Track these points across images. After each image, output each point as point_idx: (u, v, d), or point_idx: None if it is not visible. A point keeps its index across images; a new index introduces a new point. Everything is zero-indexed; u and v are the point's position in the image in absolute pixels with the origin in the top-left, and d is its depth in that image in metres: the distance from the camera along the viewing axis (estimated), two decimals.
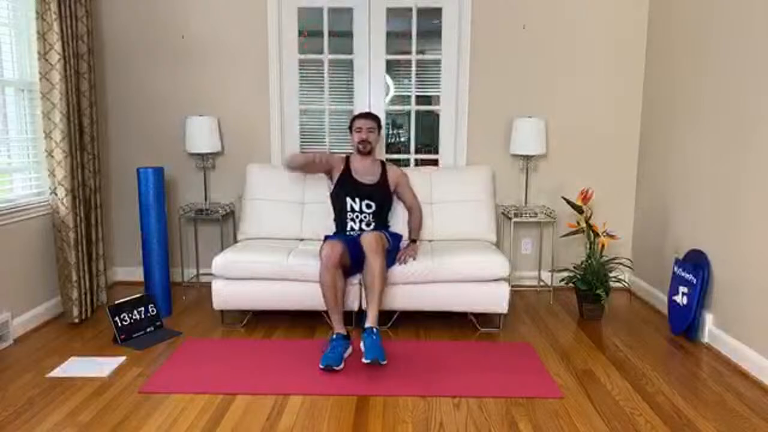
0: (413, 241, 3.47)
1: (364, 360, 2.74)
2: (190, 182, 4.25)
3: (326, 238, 3.40)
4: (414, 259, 3.25)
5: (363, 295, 3.22)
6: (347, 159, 3.55)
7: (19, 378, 2.72)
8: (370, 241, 3.02)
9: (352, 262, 3.15)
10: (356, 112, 3.64)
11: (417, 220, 3.56)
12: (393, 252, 3.26)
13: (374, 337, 2.83)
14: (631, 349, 3.13)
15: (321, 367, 2.77)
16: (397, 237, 3.43)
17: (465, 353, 3.03)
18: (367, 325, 2.92)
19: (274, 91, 4.12)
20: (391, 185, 3.51)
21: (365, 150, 3.46)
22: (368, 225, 3.40)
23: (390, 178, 3.52)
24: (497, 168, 4.17)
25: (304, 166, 3.55)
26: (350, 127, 3.53)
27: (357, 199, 3.41)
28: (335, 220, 3.51)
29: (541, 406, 2.47)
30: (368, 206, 3.40)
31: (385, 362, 2.77)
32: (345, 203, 3.43)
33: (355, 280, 3.25)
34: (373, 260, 2.99)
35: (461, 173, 3.90)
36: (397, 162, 4.18)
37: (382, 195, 3.45)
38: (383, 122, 4.19)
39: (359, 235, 3.28)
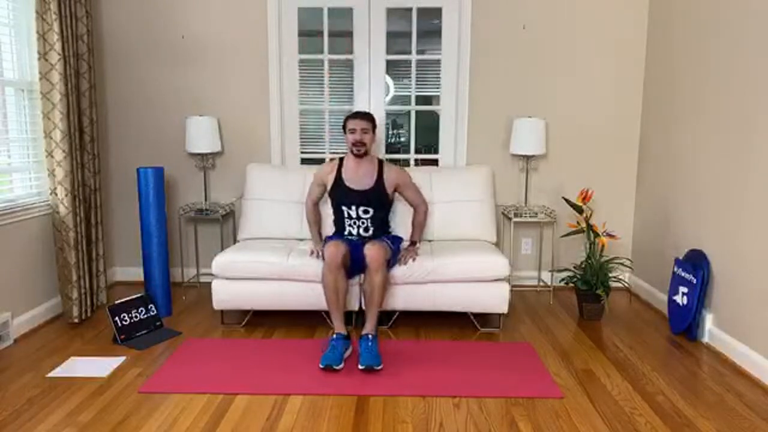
0: (413, 242, 3.46)
1: (359, 366, 2.78)
2: (190, 182, 4.25)
3: (326, 239, 3.39)
4: (413, 260, 3.24)
5: (363, 298, 3.22)
6: (340, 162, 3.41)
7: (19, 378, 2.72)
8: (373, 255, 2.99)
9: (353, 263, 3.15)
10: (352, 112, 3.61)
11: (421, 218, 3.49)
12: (394, 255, 3.25)
13: (370, 343, 2.87)
14: (631, 349, 3.13)
15: (321, 366, 2.77)
16: (397, 240, 3.42)
17: (465, 353, 3.03)
18: (364, 332, 2.95)
19: (274, 91, 4.12)
20: (389, 188, 3.37)
21: (359, 152, 3.30)
22: (366, 230, 3.35)
23: (387, 180, 3.36)
24: (497, 168, 4.17)
25: (315, 212, 3.53)
26: (344, 127, 3.34)
27: (353, 207, 3.33)
28: (334, 222, 3.49)
29: (541, 406, 2.47)
30: (365, 212, 3.33)
31: (380, 367, 2.80)
32: (341, 211, 3.37)
33: (355, 280, 3.25)
34: (375, 275, 3.00)
35: (461, 173, 3.89)
36: (396, 162, 4.17)
37: (378, 200, 3.34)
38: (383, 122, 4.20)
39: (362, 239, 3.29)
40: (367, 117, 3.33)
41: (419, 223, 3.51)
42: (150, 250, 3.57)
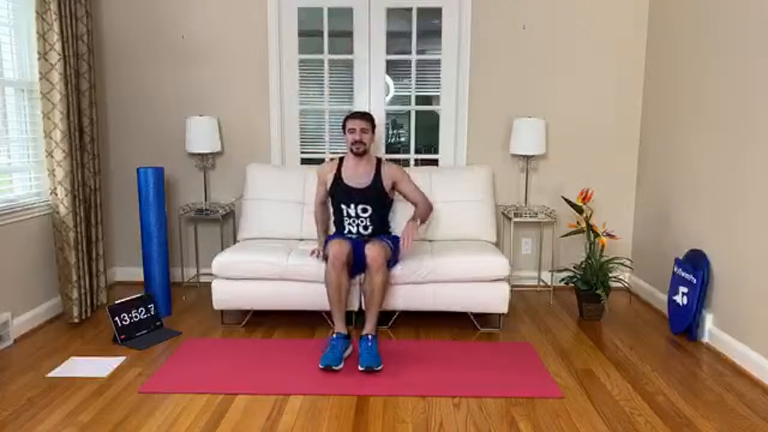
0: (413, 219, 3.26)
1: (359, 367, 2.78)
2: (190, 182, 4.25)
3: (328, 238, 3.39)
4: (414, 236, 3.09)
5: (363, 298, 3.22)
6: (340, 162, 3.42)
7: (19, 378, 2.72)
8: (374, 255, 2.99)
9: (354, 262, 3.15)
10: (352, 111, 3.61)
11: (422, 208, 3.34)
12: (394, 255, 3.24)
13: (370, 344, 2.87)
14: (631, 349, 3.13)
15: (320, 367, 2.77)
16: (397, 240, 3.41)
17: (465, 353, 3.03)
18: (364, 332, 2.95)
19: (274, 91, 4.12)
20: (386, 185, 3.37)
21: (359, 151, 3.31)
22: (365, 229, 3.36)
23: (385, 177, 3.36)
24: (497, 168, 4.17)
25: (322, 211, 3.53)
26: (343, 127, 3.35)
27: (352, 205, 3.33)
28: (334, 222, 3.50)
29: (541, 406, 2.47)
30: (364, 210, 3.33)
31: (380, 368, 2.80)
32: (341, 210, 3.38)
33: (356, 280, 3.25)
34: (376, 275, 3.00)
35: (461, 173, 3.90)
36: (396, 162, 4.16)
37: (377, 197, 3.34)
38: (383, 122, 4.20)
39: (363, 238, 3.29)
40: (366, 117, 3.35)
41: (421, 212, 3.32)
42: (150, 250, 3.57)
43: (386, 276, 3.05)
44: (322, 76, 4.19)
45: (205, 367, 2.83)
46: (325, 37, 4.12)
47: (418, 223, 3.28)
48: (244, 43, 4.09)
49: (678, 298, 3.33)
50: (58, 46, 3.27)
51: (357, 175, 3.35)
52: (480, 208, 3.77)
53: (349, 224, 3.37)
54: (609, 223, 4.21)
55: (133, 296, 3.32)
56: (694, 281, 3.18)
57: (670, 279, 3.55)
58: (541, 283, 4.29)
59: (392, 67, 4.22)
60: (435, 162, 4.27)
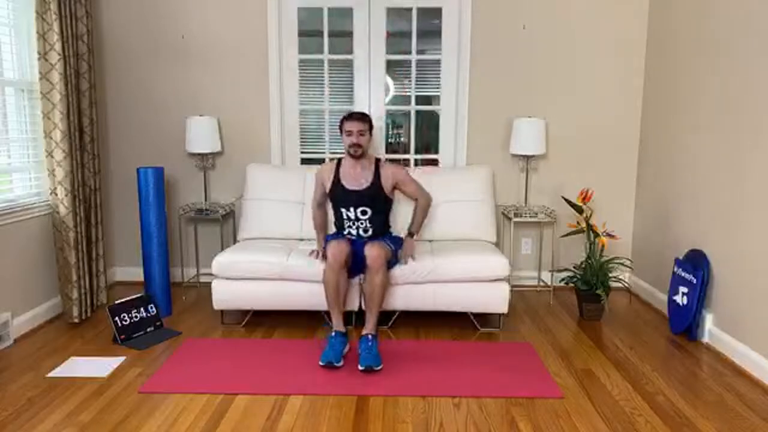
0: (410, 234, 3.37)
1: (359, 367, 2.78)
2: (190, 182, 4.25)
3: (328, 238, 3.39)
4: (413, 259, 3.23)
5: (363, 298, 3.22)
6: (338, 164, 3.39)
7: (19, 378, 2.72)
8: (374, 256, 2.99)
9: (354, 262, 3.15)
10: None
11: (422, 210, 3.41)
12: (394, 255, 3.24)
13: (370, 344, 2.87)
14: (631, 349, 3.13)
15: (321, 364, 2.77)
16: (398, 240, 3.41)
17: (465, 353, 3.03)
18: (364, 332, 2.95)
19: (274, 91, 4.12)
20: (386, 186, 3.33)
21: (356, 154, 3.27)
22: (366, 231, 3.34)
23: (385, 179, 3.33)
24: (497, 168, 4.17)
25: (320, 215, 3.51)
26: (340, 128, 3.31)
27: (351, 208, 3.31)
28: (335, 224, 3.49)
29: (541, 406, 2.47)
30: (363, 213, 3.31)
31: (380, 368, 2.80)
32: (340, 213, 3.36)
33: (356, 280, 3.25)
34: (376, 275, 3.00)
35: (461, 173, 3.90)
36: (396, 162, 4.15)
37: (376, 199, 3.31)
38: (383, 122, 4.20)
39: (362, 239, 3.29)
40: (363, 118, 3.28)
41: (422, 208, 3.41)
42: (150, 250, 3.57)
43: (386, 276, 3.06)
44: (322, 76, 4.19)
45: (205, 367, 2.83)
46: (325, 37, 4.12)
47: (415, 237, 3.39)
48: (243, 43, 4.09)
49: (678, 298, 3.33)
50: (58, 46, 3.27)
51: (355, 177, 3.32)
52: (480, 208, 3.77)
53: (349, 227, 3.36)
54: (609, 223, 4.21)
55: (133, 296, 3.32)
56: (694, 281, 3.18)
57: (670, 279, 3.55)
58: (541, 283, 4.29)
59: (392, 67, 4.22)
60: (435, 162, 4.27)
